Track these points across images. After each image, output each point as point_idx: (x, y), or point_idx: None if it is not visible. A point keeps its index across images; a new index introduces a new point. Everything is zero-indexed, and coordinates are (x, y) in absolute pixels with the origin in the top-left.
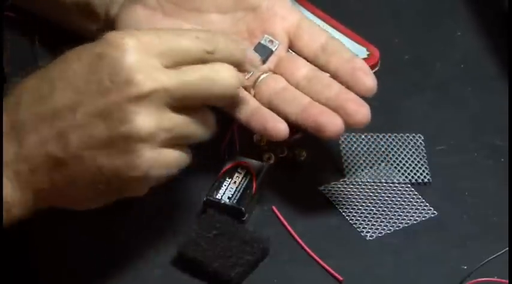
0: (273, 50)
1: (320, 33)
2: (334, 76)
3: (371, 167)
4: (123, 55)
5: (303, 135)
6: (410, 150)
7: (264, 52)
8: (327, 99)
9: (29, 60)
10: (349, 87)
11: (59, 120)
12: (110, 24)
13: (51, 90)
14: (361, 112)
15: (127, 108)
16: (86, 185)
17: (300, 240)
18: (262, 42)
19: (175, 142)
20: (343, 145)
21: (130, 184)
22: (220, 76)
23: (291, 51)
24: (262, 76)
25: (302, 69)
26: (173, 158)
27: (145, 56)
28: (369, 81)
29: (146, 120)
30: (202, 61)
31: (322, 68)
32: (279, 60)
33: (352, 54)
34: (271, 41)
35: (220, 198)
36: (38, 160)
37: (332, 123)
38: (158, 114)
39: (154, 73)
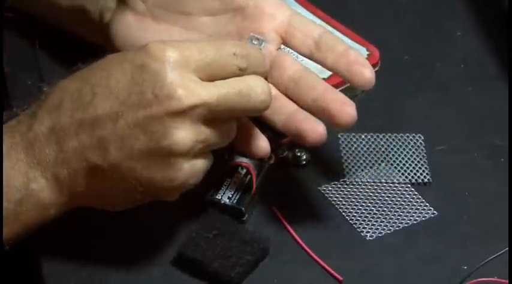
0: (260, 48)
1: (312, 28)
2: (333, 72)
3: (371, 167)
4: (165, 68)
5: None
6: (410, 150)
7: None
8: (313, 101)
9: (29, 60)
10: (349, 81)
11: (99, 128)
12: (104, 29)
13: (93, 97)
14: (346, 112)
15: (168, 122)
16: (122, 192)
17: (300, 240)
18: (248, 41)
19: (205, 151)
20: (343, 145)
21: (164, 193)
22: (255, 91)
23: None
24: None
25: (289, 70)
26: (204, 166)
27: (185, 69)
28: (366, 73)
29: (186, 135)
30: (235, 75)
31: (320, 65)
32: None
33: (346, 46)
34: (257, 39)
35: (220, 198)
36: (76, 165)
37: (313, 131)
38: (195, 128)
39: (194, 89)
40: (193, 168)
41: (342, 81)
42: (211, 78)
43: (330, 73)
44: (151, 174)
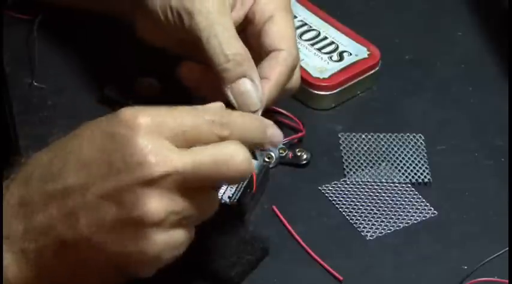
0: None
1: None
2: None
3: (371, 167)
4: (135, 136)
5: None
6: (410, 149)
7: None
8: None
9: (29, 60)
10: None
11: (69, 199)
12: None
13: (62, 168)
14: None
15: (139, 191)
16: (94, 267)
17: (300, 240)
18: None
19: (182, 222)
20: (343, 145)
21: (140, 268)
22: (234, 161)
23: None
24: None
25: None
26: (181, 238)
27: (158, 136)
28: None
29: (158, 205)
30: (215, 141)
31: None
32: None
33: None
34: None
35: (220, 197)
36: (45, 239)
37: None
38: (168, 198)
39: (167, 156)
40: (169, 240)
41: (341, 82)
42: (188, 145)
43: (330, 73)
44: (123, 245)
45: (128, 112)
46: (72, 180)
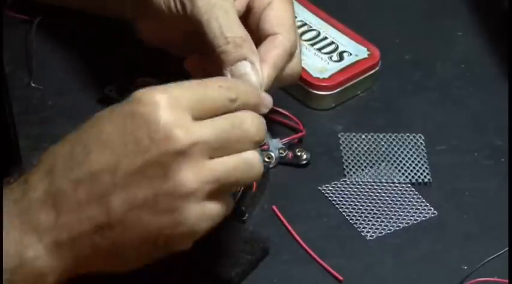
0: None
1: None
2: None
3: (371, 167)
4: (157, 111)
5: None
6: (410, 149)
7: None
8: None
9: (29, 60)
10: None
11: (98, 183)
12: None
13: (86, 154)
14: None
15: (168, 163)
16: (131, 247)
17: (300, 240)
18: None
19: (219, 192)
20: (343, 145)
21: (176, 241)
22: (248, 124)
23: None
24: None
25: None
26: (217, 210)
27: (177, 110)
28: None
29: (188, 174)
30: (227, 108)
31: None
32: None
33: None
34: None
35: None
36: (78, 226)
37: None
38: (199, 167)
39: (190, 127)
40: (204, 210)
41: (341, 82)
42: (203, 115)
43: (330, 73)
44: (158, 219)
45: (143, 92)
46: (98, 163)
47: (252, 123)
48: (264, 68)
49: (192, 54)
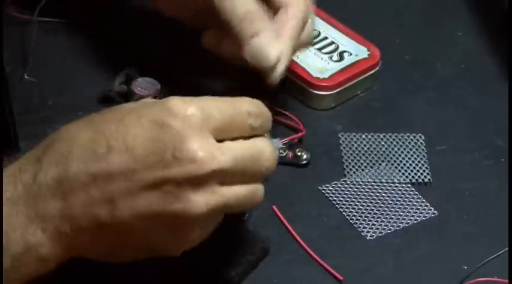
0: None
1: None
2: None
3: (371, 167)
4: (187, 130)
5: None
6: (410, 149)
7: None
8: None
9: (29, 60)
10: None
11: (112, 184)
12: None
13: (107, 152)
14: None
15: (184, 185)
16: (128, 250)
17: (300, 240)
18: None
19: (223, 213)
20: (344, 145)
21: (173, 252)
22: (265, 157)
23: None
24: None
25: None
26: (214, 225)
27: (205, 131)
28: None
29: (199, 199)
30: (248, 134)
31: None
32: None
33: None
34: None
35: None
36: (82, 221)
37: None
38: (211, 193)
39: (214, 153)
40: (206, 231)
41: (341, 82)
42: (224, 136)
43: (330, 73)
44: (160, 234)
45: (177, 103)
46: (117, 165)
47: (268, 157)
48: (282, 42)
49: (208, 30)
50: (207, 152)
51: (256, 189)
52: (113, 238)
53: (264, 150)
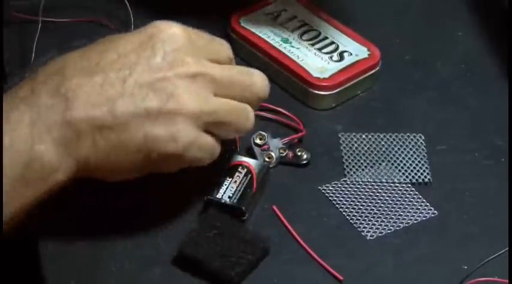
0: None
1: None
2: None
3: (371, 167)
4: (175, 37)
5: None
6: (410, 149)
7: None
8: None
9: (29, 60)
10: None
11: (109, 86)
12: None
13: (101, 58)
14: None
15: (177, 83)
16: (126, 152)
17: (300, 240)
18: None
19: (214, 127)
20: (344, 145)
21: (166, 159)
22: (256, 78)
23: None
24: None
25: None
26: (209, 144)
27: (192, 44)
28: None
29: (192, 99)
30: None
31: None
32: None
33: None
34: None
35: (220, 197)
36: (84, 124)
37: None
38: (203, 97)
39: (202, 60)
40: (197, 138)
41: (341, 82)
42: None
43: (330, 73)
44: (157, 130)
45: (162, 22)
46: (111, 69)
47: (259, 79)
48: None
49: None
50: (195, 57)
51: (246, 107)
52: (113, 139)
53: (255, 73)
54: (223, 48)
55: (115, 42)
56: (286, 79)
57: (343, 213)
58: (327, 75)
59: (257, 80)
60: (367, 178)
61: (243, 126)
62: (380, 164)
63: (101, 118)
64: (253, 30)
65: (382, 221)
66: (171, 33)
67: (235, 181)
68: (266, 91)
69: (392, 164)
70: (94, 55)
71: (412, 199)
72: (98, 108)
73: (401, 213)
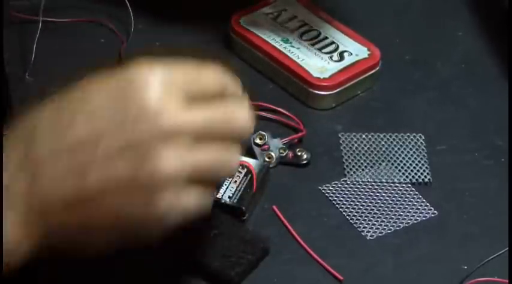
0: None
1: None
2: None
3: (371, 167)
4: (149, 89)
5: None
6: (410, 149)
7: None
8: None
9: (29, 60)
10: None
11: (79, 153)
12: None
13: (71, 123)
14: None
15: (152, 144)
16: (98, 227)
17: (300, 240)
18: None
19: (198, 178)
20: (344, 145)
21: (145, 230)
22: (240, 118)
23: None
24: None
25: None
26: (191, 202)
27: (170, 90)
28: None
29: (170, 159)
30: (216, 96)
31: None
32: None
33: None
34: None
35: (220, 197)
36: (51, 198)
37: None
38: (181, 154)
39: (180, 110)
40: (178, 200)
41: (341, 82)
42: (195, 98)
43: (330, 73)
44: (132, 204)
45: (139, 65)
46: (82, 134)
47: (243, 118)
48: None
49: None
50: (172, 109)
51: (229, 151)
52: (83, 215)
53: (239, 110)
54: (210, 79)
55: (89, 97)
56: (286, 79)
57: (343, 213)
58: (327, 75)
59: (241, 122)
60: (367, 178)
61: (226, 174)
62: (380, 164)
63: (70, 191)
64: (253, 30)
65: (382, 221)
66: (149, 80)
67: (235, 181)
68: (250, 131)
69: (392, 164)
70: (65, 116)
71: (412, 199)
72: (67, 179)
73: (401, 213)
